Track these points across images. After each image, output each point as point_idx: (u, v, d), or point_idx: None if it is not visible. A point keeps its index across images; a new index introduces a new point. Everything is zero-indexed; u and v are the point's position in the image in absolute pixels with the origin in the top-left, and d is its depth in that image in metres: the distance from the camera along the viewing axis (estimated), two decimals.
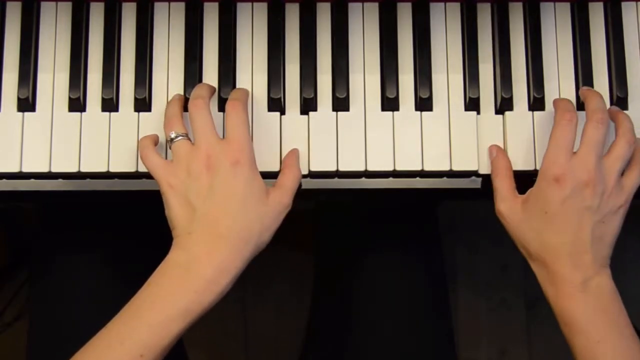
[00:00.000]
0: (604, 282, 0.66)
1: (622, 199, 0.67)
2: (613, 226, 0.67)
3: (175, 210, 0.64)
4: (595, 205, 0.65)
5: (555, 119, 0.68)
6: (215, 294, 0.62)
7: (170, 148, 0.67)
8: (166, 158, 0.68)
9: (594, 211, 0.65)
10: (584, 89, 0.71)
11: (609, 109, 0.71)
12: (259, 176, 0.65)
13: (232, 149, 0.64)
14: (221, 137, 0.66)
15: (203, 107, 0.66)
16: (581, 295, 0.64)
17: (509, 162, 0.70)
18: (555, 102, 0.70)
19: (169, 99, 0.71)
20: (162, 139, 0.71)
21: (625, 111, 0.73)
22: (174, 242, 0.64)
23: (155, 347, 0.60)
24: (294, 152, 0.70)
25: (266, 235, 0.65)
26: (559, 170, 0.65)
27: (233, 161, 0.64)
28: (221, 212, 0.63)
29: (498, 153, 0.71)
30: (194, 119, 0.66)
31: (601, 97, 0.69)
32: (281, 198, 0.66)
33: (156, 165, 0.66)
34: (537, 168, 0.70)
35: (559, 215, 0.65)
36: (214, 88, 0.71)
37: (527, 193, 0.68)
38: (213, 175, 0.63)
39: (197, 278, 0.61)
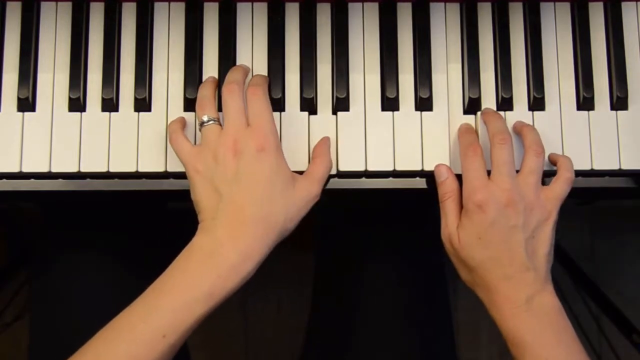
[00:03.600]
0: (547, 298, 0.66)
1: (546, 212, 0.67)
2: (544, 239, 0.67)
3: (201, 195, 0.65)
4: (521, 222, 0.66)
5: (460, 153, 0.69)
6: (238, 279, 0.62)
7: (200, 130, 0.67)
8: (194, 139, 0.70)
9: (522, 228, 0.66)
10: (483, 114, 0.72)
11: (514, 124, 0.72)
12: (285, 163, 0.66)
13: (257, 136, 0.64)
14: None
15: (237, 92, 0.66)
16: (525, 315, 0.65)
17: (458, 183, 0.70)
18: (459, 135, 0.71)
19: (204, 80, 0.71)
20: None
21: (625, 111, 0.73)
22: (199, 226, 0.65)
23: (178, 328, 0.60)
24: (325, 141, 0.70)
25: (291, 223, 0.65)
26: (479, 196, 0.66)
27: (258, 147, 0.64)
28: (246, 198, 0.63)
29: (450, 175, 0.70)
30: (227, 103, 0.66)
31: (500, 117, 0.71)
32: (309, 187, 0.66)
33: (184, 149, 0.67)
34: None
35: (491, 238, 0.66)
36: (249, 69, 0.71)
37: (461, 220, 0.68)
38: (238, 161, 0.64)
39: (221, 263, 0.62)
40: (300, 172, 0.69)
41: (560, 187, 0.68)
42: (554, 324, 0.65)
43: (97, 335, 0.61)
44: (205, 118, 0.67)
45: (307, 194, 0.66)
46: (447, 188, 0.69)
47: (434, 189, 0.71)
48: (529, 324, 0.64)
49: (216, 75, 0.72)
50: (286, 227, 0.65)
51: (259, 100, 0.66)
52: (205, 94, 0.69)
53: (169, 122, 0.71)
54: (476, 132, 0.72)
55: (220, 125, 0.67)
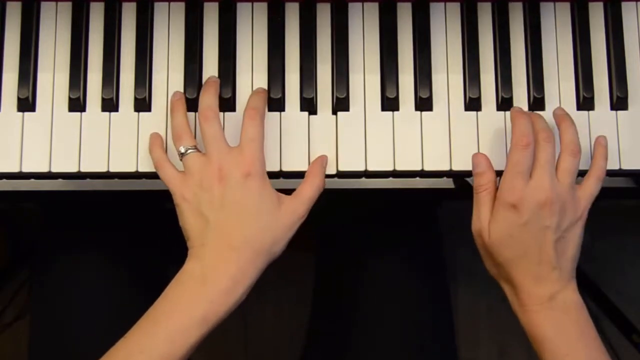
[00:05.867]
0: (570, 296, 0.66)
1: (579, 212, 0.67)
2: (574, 240, 0.67)
3: (189, 221, 0.65)
4: (555, 223, 0.65)
5: (512, 142, 0.67)
6: (230, 304, 0.63)
7: (181, 160, 0.67)
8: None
9: (554, 229, 0.66)
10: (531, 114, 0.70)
11: (555, 111, 0.71)
12: (270, 187, 0.66)
13: (244, 161, 0.64)
14: (225, 136, 0.66)
15: (211, 118, 0.66)
16: (548, 311, 0.65)
17: (496, 175, 0.69)
18: (514, 123, 0.68)
19: (170, 103, 0.70)
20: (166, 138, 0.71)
21: (625, 111, 0.73)
22: (189, 253, 0.65)
23: (174, 355, 0.61)
24: (320, 161, 0.70)
25: (279, 246, 0.65)
26: (515, 196, 0.65)
27: (244, 173, 0.64)
28: (233, 224, 0.64)
29: (488, 166, 0.68)
30: (204, 131, 0.66)
31: (542, 116, 0.70)
32: (295, 208, 0.66)
33: (171, 177, 0.67)
34: None
35: (523, 238, 0.65)
36: (219, 83, 0.70)
37: (493, 215, 0.67)
38: (224, 187, 0.64)
39: (212, 288, 0.62)
40: (299, 173, 0.69)
41: (592, 183, 0.68)
42: (575, 321, 0.65)
43: None
44: (182, 149, 0.66)
45: (293, 216, 0.66)
46: (484, 180, 0.68)
47: (461, 187, 0.71)
48: (551, 320, 0.65)
49: (216, 75, 0.72)
50: (273, 250, 0.65)
51: (255, 126, 0.66)
52: (178, 122, 0.68)
53: (150, 146, 0.69)
54: (476, 133, 0.72)
55: (200, 151, 0.67)
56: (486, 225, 0.67)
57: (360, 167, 0.71)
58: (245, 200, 0.64)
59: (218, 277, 0.63)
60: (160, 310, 0.63)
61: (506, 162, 0.67)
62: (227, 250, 0.63)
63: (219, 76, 0.72)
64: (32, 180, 0.72)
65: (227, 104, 0.71)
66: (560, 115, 0.70)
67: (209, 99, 0.68)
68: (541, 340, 0.65)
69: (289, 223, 0.65)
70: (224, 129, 0.68)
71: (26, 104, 0.71)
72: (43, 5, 0.73)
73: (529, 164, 0.66)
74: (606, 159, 0.70)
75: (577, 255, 0.68)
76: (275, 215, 0.65)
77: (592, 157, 0.71)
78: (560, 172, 0.67)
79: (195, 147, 0.67)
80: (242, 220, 0.64)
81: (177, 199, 0.66)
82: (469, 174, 0.72)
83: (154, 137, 0.70)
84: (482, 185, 0.68)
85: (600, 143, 0.70)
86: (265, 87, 0.72)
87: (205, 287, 0.62)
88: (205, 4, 0.74)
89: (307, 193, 0.67)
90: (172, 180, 0.67)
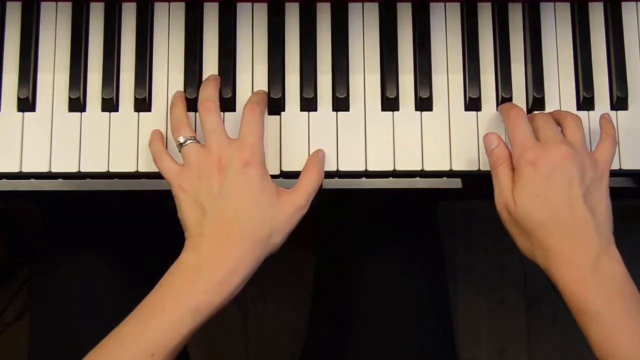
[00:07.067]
0: (614, 263, 0.64)
1: (599, 170, 0.66)
2: (602, 199, 0.66)
3: (187, 212, 0.65)
4: (578, 175, 0.64)
5: (504, 118, 0.69)
6: (225, 295, 0.62)
7: (179, 151, 0.67)
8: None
9: (579, 181, 0.64)
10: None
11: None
12: (269, 178, 0.66)
13: (243, 151, 0.64)
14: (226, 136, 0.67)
15: (212, 109, 0.66)
16: (592, 280, 0.62)
17: (509, 152, 0.68)
18: (500, 109, 0.71)
19: (171, 99, 0.71)
20: (167, 133, 0.71)
21: (625, 111, 0.73)
22: (185, 243, 0.65)
23: (166, 346, 0.60)
24: (317, 153, 0.70)
25: (277, 238, 0.65)
26: (532, 153, 0.65)
27: (243, 162, 0.64)
28: (231, 214, 0.63)
29: (500, 142, 0.68)
30: (204, 121, 0.66)
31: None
32: (295, 200, 0.66)
33: (169, 169, 0.67)
34: None
35: (549, 194, 0.64)
36: (219, 80, 0.71)
37: (514, 182, 0.67)
38: (223, 177, 0.64)
39: (207, 279, 0.62)
40: (299, 173, 0.69)
41: (606, 147, 0.68)
42: (622, 291, 0.62)
43: (87, 356, 0.61)
44: (181, 139, 0.66)
45: (291, 207, 0.65)
46: (498, 155, 0.68)
47: (468, 187, 0.71)
48: (596, 290, 0.62)
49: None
50: (272, 241, 0.65)
51: (255, 118, 0.66)
52: (177, 115, 0.68)
53: (150, 140, 0.70)
54: (476, 133, 0.72)
55: (199, 142, 0.67)
56: (510, 195, 0.66)
57: (360, 167, 0.71)
58: (243, 189, 0.64)
59: (213, 268, 0.62)
60: (155, 300, 0.63)
61: (510, 138, 0.67)
62: (224, 241, 0.63)
63: (219, 76, 0.72)
64: (32, 180, 0.72)
65: (227, 103, 0.72)
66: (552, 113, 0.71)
67: (209, 90, 0.68)
68: (586, 312, 0.62)
69: (287, 214, 0.65)
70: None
71: (26, 104, 0.71)
72: (43, 5, 0.73)
73: (529, 129, 0.67)
74: (613, 126, 0.70)
75: (610, 219, 0.66)
76: (274, 205, 0.65)
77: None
78: (569, 134, 0.67)
79: (194, 138, 0.67)
80: (240, 211, 0.63)
81: (175, 189, 0.66)
82: (468, 174, 0.72)
83: (155, 132, 0.70)
84: (498, 160, 0.68)
85: (604, 117, 0.71)
86: (265, 87, 0.72)
87: (200, 278, 0.62)
88: (205, 4, 0.74)
89: (304, 185, 0.67)
90: (170, 172, 0.67)
